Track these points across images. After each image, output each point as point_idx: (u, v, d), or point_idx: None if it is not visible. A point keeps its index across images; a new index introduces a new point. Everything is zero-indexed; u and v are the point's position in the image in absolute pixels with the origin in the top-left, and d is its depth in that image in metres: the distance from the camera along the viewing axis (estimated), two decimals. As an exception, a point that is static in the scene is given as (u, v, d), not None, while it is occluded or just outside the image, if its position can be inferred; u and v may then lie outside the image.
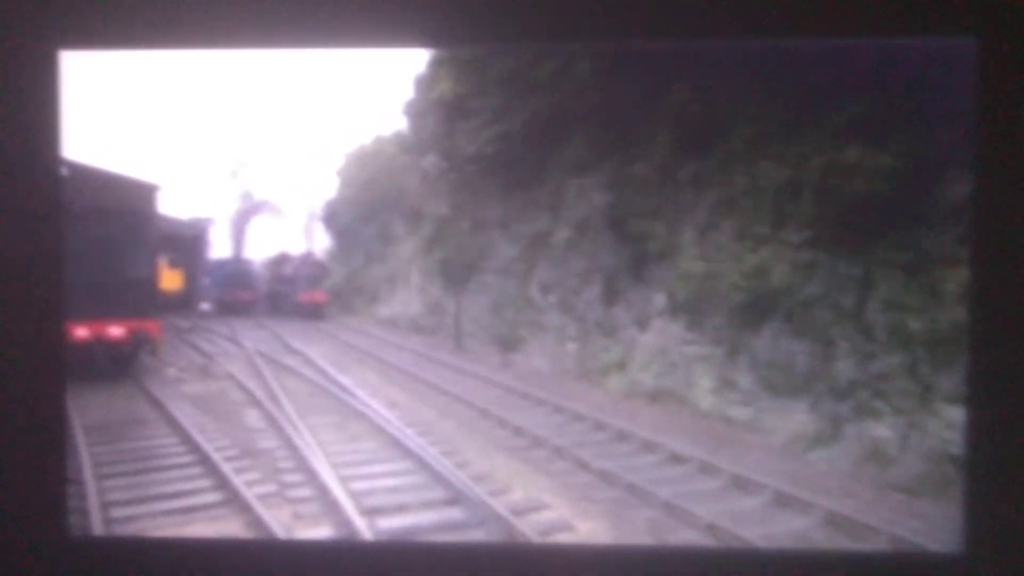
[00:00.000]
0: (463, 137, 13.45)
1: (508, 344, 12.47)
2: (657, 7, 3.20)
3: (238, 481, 7.11)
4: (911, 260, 7.10)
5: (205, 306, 19.84)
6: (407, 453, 7.72)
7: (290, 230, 22.78)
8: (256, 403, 9.76)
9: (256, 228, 22.33)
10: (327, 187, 21.82)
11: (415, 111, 15.79)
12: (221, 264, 21.74)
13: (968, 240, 3.26)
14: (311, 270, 20.75)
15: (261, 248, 22.84)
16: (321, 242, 22.65)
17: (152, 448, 8.13)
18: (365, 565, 3.38)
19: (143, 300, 12.17)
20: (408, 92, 16.79)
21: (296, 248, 22.57)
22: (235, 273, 21.26)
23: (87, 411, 9.38)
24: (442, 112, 14.10)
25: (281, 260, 22.47)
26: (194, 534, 6.68)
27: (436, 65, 14.50)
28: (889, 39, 3.23)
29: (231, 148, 20.96)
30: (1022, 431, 3.28)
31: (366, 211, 19.84)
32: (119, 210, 12.60)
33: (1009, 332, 3.26)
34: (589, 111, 11.02)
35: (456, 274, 14.25)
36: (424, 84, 15.19)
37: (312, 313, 19.37)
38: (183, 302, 18.20)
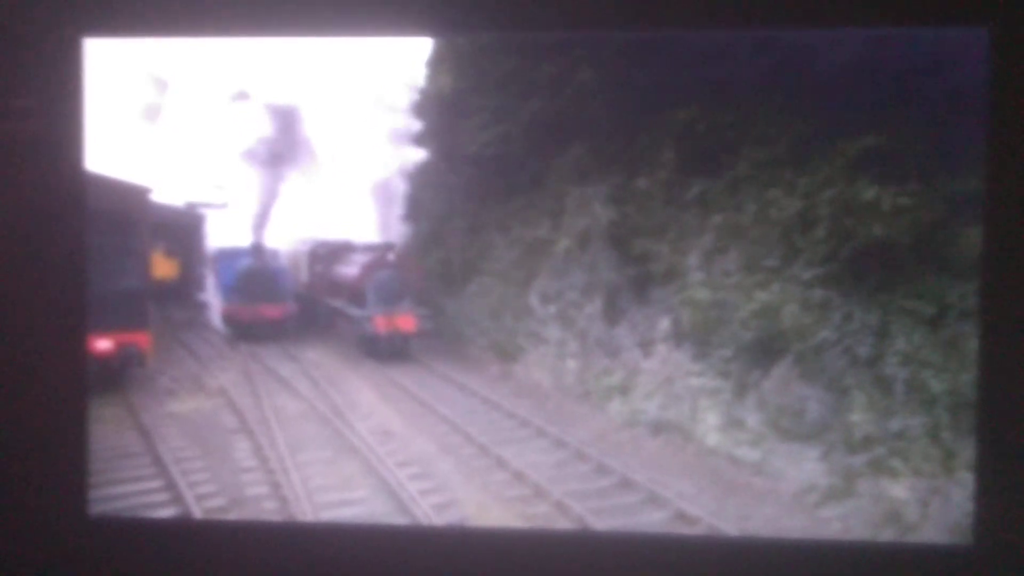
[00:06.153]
0: (463, 135, 12.98)
1: (507, 353, 12.12)
2: None
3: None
4: (932, 312, 6.70)
5: (205, 298, 14.97)
6: (400, 507, 7.40)
7: (349, 203, 14.04)
8: (247, 430, 9.44)
9: (289, 198, 14.10)
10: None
11: (412, 101, 15.24)
12: (231, 257, 14.36)
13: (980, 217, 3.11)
14: (392, 275, 12.69)
15: (294, 233, 14.89)
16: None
17: (133, 495, 7.82)
18: (382, 545, 3.37)
19: (132, 312, 11.75)
20: (407, 79, 15.90)
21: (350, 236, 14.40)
22: (254, 274, 13.63)
23: (72, 442, 9.05)
24: (440, 106, 13.60)
25: (332, 253, 14.41)
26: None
27: (436, 59, 13.97)
28: (901, 28, 3.00)
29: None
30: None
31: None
32: (105, 215, 12.12)
33: (1020, 325, 3.09)
34: (591, 120, 10.54)
35: (455, 275, 13.84)
36: (423, 75, 14.64)
37: (394, 350, 12.04)
38: (179, 291, 17.29)
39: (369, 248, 13.69)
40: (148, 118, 14.65)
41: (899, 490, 6.60)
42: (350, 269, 13.44)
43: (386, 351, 12.09)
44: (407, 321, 12.33)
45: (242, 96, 14.28)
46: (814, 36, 7.66)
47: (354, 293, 12.96)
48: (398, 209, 14.14)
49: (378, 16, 3.08)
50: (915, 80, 7.25)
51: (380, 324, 12.22)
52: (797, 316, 7.58)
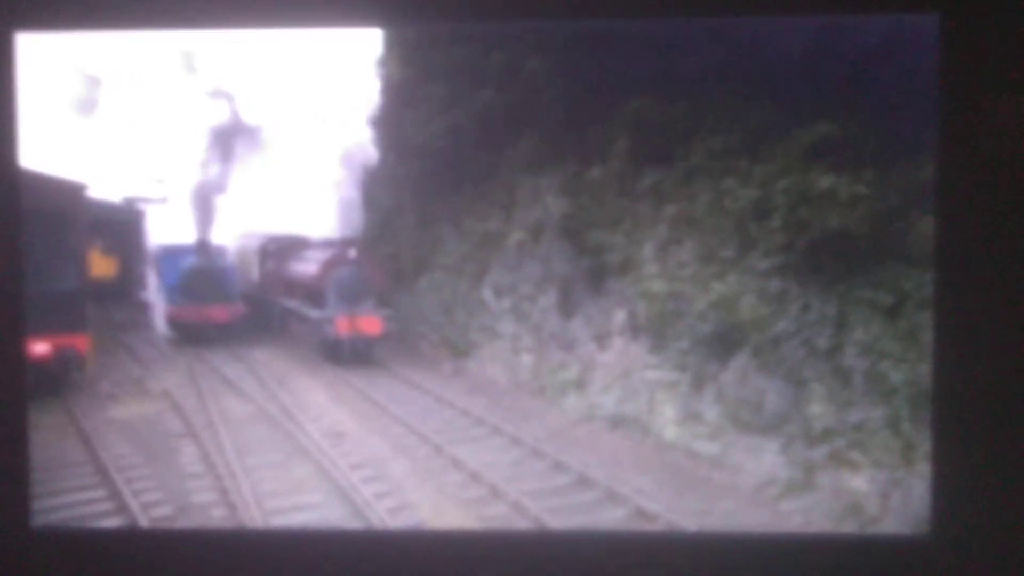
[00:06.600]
0: (411, 126, 12.73)
1: (460, 349, 11.93)
2: None
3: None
4: (890, 302, 6.65)
5: (147, 297, 14.13)
6: (353, 512, 7.19)
7: (301, 199, 12.78)
8: (193, 435, 9.14)
9: (236, 191, 13.00)
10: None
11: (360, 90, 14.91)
12: (175, 254, 13.41)
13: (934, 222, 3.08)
14: (354, 273, 11.70)
15: (241, 227, 13.81)
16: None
17: (76, 505, 7.51)
18: (336, 551, 3.32)
19: (70, 313, 11.33)
20: (352, 66, 15.49)
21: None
22: (200, 273, 12.65)
23: (8, 451, 8.67)
24: (388, 95, 13.33)
25: (285, 249, 13.34)
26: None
27: (384, 48, 13.66)
28: (854, 15, 2.95)
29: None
30: (985, 418, 3.11)
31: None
32: (40, 213, 11.66)
33: (973, 316, 3.06)
34: (543, 109, 10.38)
35: (405, 270, 13.60)
36: (371, 64, 14.33)
37: (357, 354, 11.12)
38: (119, 291, 16.57)
39: (327, 244, 12.49)
40: (83, 112, 13.98)
41: (859, 482, 6.55)
42: (307, 267, 12.35)
43: (348, 355, 11.13)
44: (371, 323, 11.34)
45: (189, 66, 13.01)
46: (767, 24, 7.58)
47: (312, 293, 11.88)
48: (355, 202, 13.01)
49: (325, 7, 2.93)
50: (868, 67, 7.19)
51: (342, 326, 11.18)
52: (754, 307, 7.50)
